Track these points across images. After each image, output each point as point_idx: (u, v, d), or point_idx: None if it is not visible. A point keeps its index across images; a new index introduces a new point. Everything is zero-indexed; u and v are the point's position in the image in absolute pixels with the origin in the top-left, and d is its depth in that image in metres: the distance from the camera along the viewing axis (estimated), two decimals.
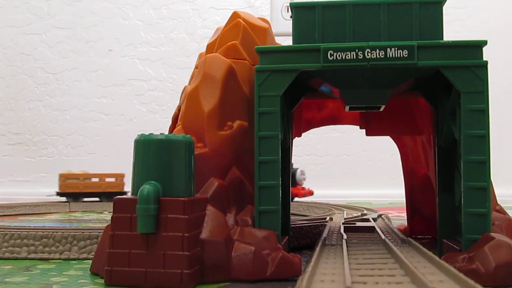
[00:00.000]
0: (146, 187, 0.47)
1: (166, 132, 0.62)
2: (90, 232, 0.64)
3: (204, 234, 0.50)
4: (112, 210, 0.50)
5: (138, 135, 0.51)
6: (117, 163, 1.77)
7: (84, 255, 0.63)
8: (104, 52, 1.84)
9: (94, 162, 1.82)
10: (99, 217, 1.28)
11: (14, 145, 1.87)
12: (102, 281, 0.50)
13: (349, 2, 0.59)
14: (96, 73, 1.84)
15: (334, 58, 0.55)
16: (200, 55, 0.74)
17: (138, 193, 0.47)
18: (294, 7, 0.60)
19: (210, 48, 0.69)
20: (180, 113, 0.64)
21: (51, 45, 1.86)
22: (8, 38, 1.88)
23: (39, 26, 1.87)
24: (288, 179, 0.68)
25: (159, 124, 1.71)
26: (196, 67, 0.71)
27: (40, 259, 0.63)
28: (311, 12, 0.59)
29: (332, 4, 0.59)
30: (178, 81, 1.79)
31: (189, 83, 0.69)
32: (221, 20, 1.68)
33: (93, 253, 0.61)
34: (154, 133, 0.51)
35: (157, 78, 1.81)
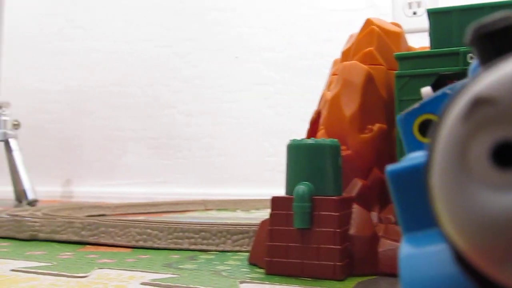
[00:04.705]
0: (301, 187, 0.53)
1: (297, 135, 0.67)
2: (242, 227, 0.71)
3: (351, 230, 0.55)
4: (270, 208, 0.56)
5: (289, 140, 0.57)
6: (241, 162, 1.87)
7: (237, 248, 0.70)
8: (231, 59, 1.96)
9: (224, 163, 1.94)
10: (233, 215, 1.37)
11: (153, 149, 2.06)
12: (262, 270, 0.56)
13: (487, 4, 0.59)
14: (224, 80, 1.97)
15: None
16: (335, 62, 0.78)
17: (294, 192, 0.53)
18: (431, 13, 0.62)
19: (346, 54, 0.74)
20: (322, 118, 0.69)
21: (182, 55, 2.03)
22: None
23: (169, 39, 2.05)
24: None
25: (285, 126, 1.77)
26: (333, 74, 0.75)
27: (200, 250, 0.71)
28: (448, 17, 0.61)
29: (469, 7, 0.60)
30: (301, 84, 1.85)
31: (327, 89, 0.74)
32: (342, 22, 1.71)
33: (245, 246, 0.68)
34: (304, 139, 0.56)
35: (281, 81, 1.89)
